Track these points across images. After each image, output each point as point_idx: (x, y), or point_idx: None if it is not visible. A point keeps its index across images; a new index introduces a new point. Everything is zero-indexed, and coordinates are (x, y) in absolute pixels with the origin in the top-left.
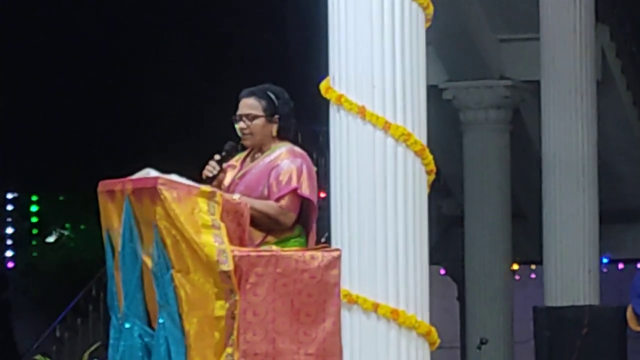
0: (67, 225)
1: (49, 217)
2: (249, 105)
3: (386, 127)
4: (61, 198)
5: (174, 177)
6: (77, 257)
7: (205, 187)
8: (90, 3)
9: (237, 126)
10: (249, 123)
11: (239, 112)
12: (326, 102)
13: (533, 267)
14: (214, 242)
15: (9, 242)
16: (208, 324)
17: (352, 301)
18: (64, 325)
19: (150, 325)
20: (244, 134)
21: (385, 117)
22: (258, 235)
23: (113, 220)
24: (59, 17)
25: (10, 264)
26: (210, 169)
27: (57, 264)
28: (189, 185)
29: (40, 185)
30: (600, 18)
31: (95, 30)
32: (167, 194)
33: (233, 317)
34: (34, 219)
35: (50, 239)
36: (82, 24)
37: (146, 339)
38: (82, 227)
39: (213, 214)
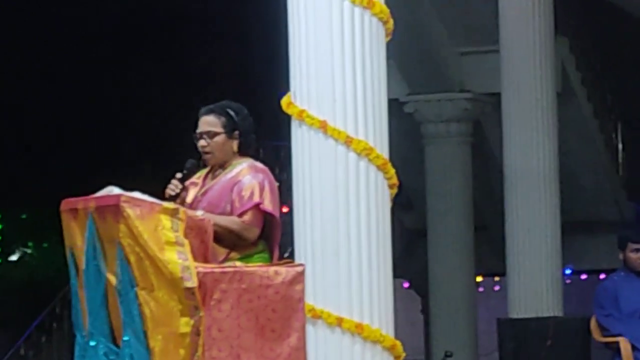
0: (30, 244)
1: (11, 235)
2: (208, 122)
3: (348, 141)
4: (24, 216)
5: (137, 194)
6: (40, 276)
7: (168, 204)
8: (56, 20)
9: (198, 144)
10: (209, 141)
11: (199, 130)
12: (288, 118)
13: (497, 279)
14: (178, 259)
15: None
16: (173, 340)
17: (317, 316)
18: (29, 344)
19: (115, 342)
20: (204, 151)
21: (346, 131)
22: (221, 252)
23: (76, 238)
24: (23, 28)
25: None
26: (173, 187)
27: (20, 283)
28: (151, 202)
29: (2, 203)
30: (560, 30)
31: (58, 47)
32: (130, 211)
33: (198, 334)
34: None
35: (13, 258)
36: (45, 39)
37: (111, 357)
38: (44, 245)
39: (176, 231)
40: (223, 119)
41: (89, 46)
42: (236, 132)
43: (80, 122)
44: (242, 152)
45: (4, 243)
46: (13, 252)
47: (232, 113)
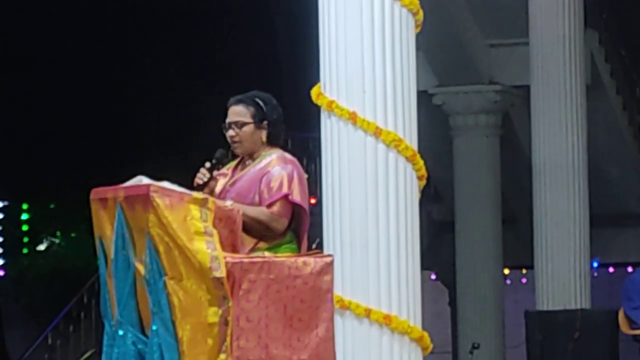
0: (58, 233)
1: (39, 225)
2: (237, 112)
3: (377, 132)
4: (52, 206)
5: (166, 184)
6: (68, 265)
7: (198, 194)
8: (82, 8)
9: (226, 134)
10: (238, 130)
11: (228, 120)
12: (316, 109)
13: (524, 271)
14: (207, 248)
15: (0, 250)
16: (201, 330)
17: (345, 307)
18: (56, 333)
19: (143, 332)
20: (233, 141)
21: (376, 122)
22: (250, 242)
23: (105, 227)
24: (49, 19)
25: (1, 272)
26: (201, 176)
27: (48, 272)
28: (181, 193)
29: (30, 193)
30: (589, 23)
31: (82, 36)
32: (159, 201)
33: (226, 324)
34: (25, 227)
35: (41, 247)
36: (68, 31)
37: (139, 346)
38: (72, 234)
39: (205, 221)
40: (252, 109)
41: (111, 37)
42: (265, 122)
43: (109, 113)
44: (271, 142)
45: (32, 233)
46: (41, 242)
47: (261, 103)
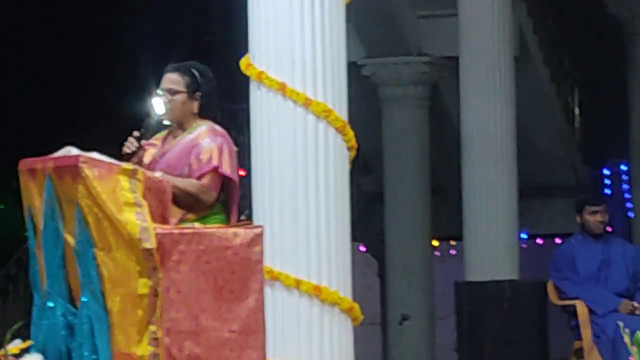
0: None
1: None
2: (171, 80)
3: (307, 103)
4: None
5: (95, 155)
6: None
7: (127, 165)
8: None
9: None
10: (170, 98)
11: (162, 86)
12: (244, 81)
13: (453, 243)
14: (136, 219)
15: None
16: (131, 301)
17: (275, 278)
18: None
19: (73, 303)
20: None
21: (305, 93)
22: (178, 212)
23: (34, 198)
24: None
25: None
26: (129, 145)
27: None
28: (110, 163)
29: None
30: None
31: (12, 10)
32: (88, 172)
33: (156, 295)
34: None
35: None
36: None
37: (69, 318)
38: (0, 206)
39: (135, 192)
40: (187, 78)
41: (45, 10)
42: (198, 94)
43: (37, 83)
44: (203, 114)
45: None
46: None
47: (196, 74)
